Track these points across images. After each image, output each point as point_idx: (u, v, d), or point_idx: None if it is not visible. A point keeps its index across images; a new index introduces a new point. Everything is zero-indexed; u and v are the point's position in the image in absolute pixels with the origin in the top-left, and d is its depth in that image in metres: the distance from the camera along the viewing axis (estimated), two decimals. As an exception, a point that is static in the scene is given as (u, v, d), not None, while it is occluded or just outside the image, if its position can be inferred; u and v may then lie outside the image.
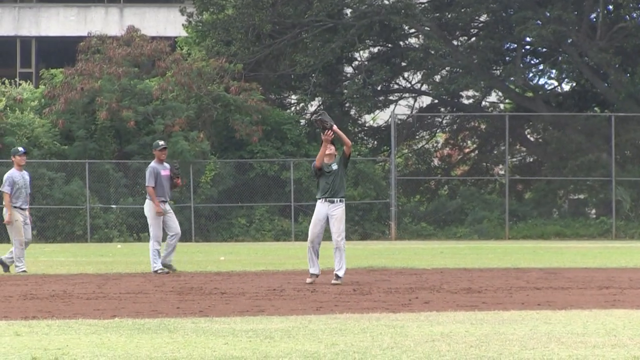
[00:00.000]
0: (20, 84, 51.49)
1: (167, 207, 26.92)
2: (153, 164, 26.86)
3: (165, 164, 27.33)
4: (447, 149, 53.15)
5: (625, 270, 26.74)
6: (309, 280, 23.59)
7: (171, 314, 16.63)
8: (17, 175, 27.27)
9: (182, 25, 53.44)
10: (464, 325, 14.78)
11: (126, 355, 11.89)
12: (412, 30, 51.51)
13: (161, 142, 29.32)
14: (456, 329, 14.36)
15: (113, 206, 43.05)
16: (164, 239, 26.58)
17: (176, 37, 52.27)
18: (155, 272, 24.63)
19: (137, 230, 46.14)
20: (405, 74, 52.53)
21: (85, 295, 20.24)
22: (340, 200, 24.85)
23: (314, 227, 23.83)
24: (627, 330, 14.06)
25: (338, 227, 24.90)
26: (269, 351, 12.20)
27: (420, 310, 17.13)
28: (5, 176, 27.35)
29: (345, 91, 51.13)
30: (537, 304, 17.99)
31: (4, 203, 27.26)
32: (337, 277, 24.44)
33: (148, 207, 26.46)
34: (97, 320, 15.76)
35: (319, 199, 23.85)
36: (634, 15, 50.11)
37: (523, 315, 16.21)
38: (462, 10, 50.93)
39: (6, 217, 26.78)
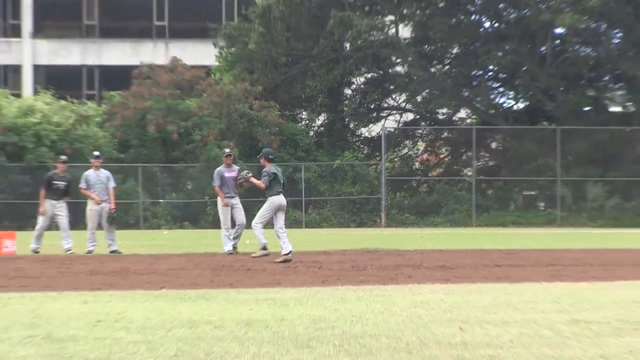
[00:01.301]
0: (86, 103, 51.39)
1: (235, 201, 26.57)
2: (220, 167, 26.69)
3: (234, 167, 27.03)
4: (426, 155, 53.05)
5: (567, 251, 26.68)
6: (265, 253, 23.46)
7: (207, 286, 16.64)
8: (91, 174, 27.16)
9: (215, 56, 53.32)
10: (439, 295, 14.80)
11: (171, 319, 11.92)
12: (398, 60, 51.38)
13: (227, 150, 29.08)
14: (433, 297, 14.37)
15: (160, 201, 42.95)
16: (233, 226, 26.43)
17: (210, 66, 52.08)
18: (228, 252, 24.40)
19: (179, 219, 46.05)
20: (393, 95, 52.46)
21: (138, 271, 20.22)
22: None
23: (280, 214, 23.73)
24: (568, 299, 14.07)
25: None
26: (284, 315, 12.24)
27: (404, 283, 17.13)
28: (83, 175, 27.42)
29: (345, 109, 51.09)
30: (497, 278, 17.98)
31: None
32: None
33: (218, 201, 26.32)
34: (148, 291, 15.77)
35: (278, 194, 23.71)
36: (575, 47, 49.96)
37: (486, 287, 16.22)
38: (438, 44, 50.90)
39: (91, 207, 26.87)
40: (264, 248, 23.69)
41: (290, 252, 22.80)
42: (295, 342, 10.12)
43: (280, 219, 23.60)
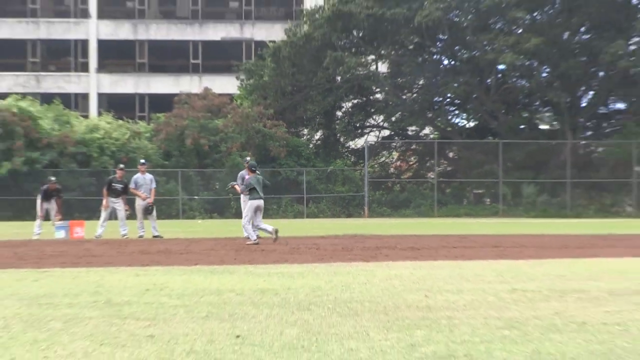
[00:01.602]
0: (138, 123, 51.43)
1: (246, 201, 26.21)
2: (242, 171, 26.51)
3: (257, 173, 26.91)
4: (399, 162, 52.95)
5: (507, 236, 26.67)
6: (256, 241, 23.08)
7: (231, 263, 16.61)
8: (139, 177, 27.35)
9: (237, 86, 53.37)
10: (409, 270, 14.76)
11: (203, 288, 11.91)
12: (377, 90, 51.31)
13: (247, 158, 29.03)
14: (404, 272, 14.34)
15: (195, 197, 42.88)
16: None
17: (233, 94, 52.08)
18: (255, 242, 24.07)
19: (210, 211, 46.03)
20: (373, 117, 52.36)
21: (178, 251, 20.18)
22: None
23: (257, 213, 23.50)
24: (508, 272, 14.06)
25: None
26: (290, 285, 12.24)
27: (382, 260, 17.10)
28: (132, 178, 27.52)
29: (337, 127, 51.00)
30: (454, 257, 17.95)
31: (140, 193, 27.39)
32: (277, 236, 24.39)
33: (242, 199, 26.12)
34: (185, 267, 15.75)
35: (257, 198, 23.58)
36: (513, 80, 49.97)
37: (445, 264, 16.19)
38: (408, 77, 50.83)
39: (139, 202, 26.97)
40: (255, 239, 23.44)
41: (256, 240, 22.83)
42: (298, 306, 10.12)
43: (259, 217, 23.42)
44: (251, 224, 23.46)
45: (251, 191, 23.50)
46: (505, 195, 46.92)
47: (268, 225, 23.53)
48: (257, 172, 24.17)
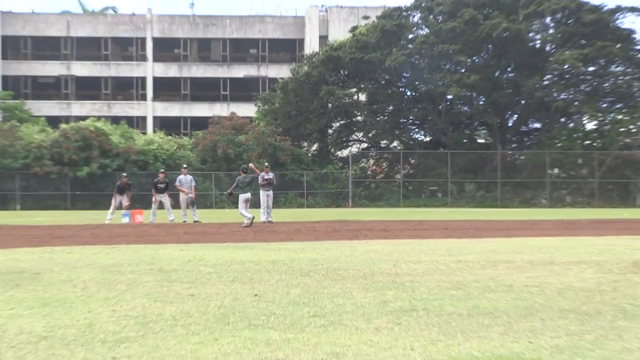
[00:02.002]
0: (182, 138, 51.31)
1: (269, 192, 25.76)
2: (262, 173, 26.49)
3: (270, 173, 26.51)
4: (374, 167, 52.75)
5: (454, 221, 26.61)
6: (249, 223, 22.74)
7: (250, 241, 16.56)
8: (182, 177, 27.18)
9: (255, 111, 53.05)
10: (382, 246, 14.73)
11: (230, 260, 11.86)
12: (358, 113, 51.07)
13: (266, 163, 29.61)
14: (379, 247, 14.31)
15: (224, 192, 42.62)
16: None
17: (252, 117, 51.87)
18: (246, 225, 23.82)
19: (235, 203, 45.91)
20: (356, 133, 52.02)
21: (212, 232, 20.12)
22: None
23: (246, 203, 23.49)
24: (455, 248, 14.03)
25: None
26: (294, 257, 12.20)
27: (362, 239, 17.06)
28: (177, 178, 27.46)
29: (329, 141, 50.61)
30: (415, 236, 17.89)
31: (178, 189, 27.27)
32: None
33: (261, 193, 25.89)
34: (217, 244, 15.69)
35: (246, 192, 23.68)
36: (458, 106, 49.85)
37: (408, 242, 16.13)
38: (381, 104, 50.57)
39: (183, 196, 26.85)
40: (250, 221, 23.23)
41: (248, 224, 22.52)
42: (300, 272, 10.09)
43: (247, 207, 23.39)
44: (246, 210, 23.59)
45: (243, 188, 23.63)
46: (452, 191, 46.78)
47: (249, 214, 23.34)
48: (247, 174, 24.32)
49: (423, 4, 49.49)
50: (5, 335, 6.10)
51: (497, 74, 49.06)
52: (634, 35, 47.79)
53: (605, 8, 47.15)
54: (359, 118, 51.10)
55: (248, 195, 23.62)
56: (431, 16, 49.46)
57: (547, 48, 49.20)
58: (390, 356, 5.26)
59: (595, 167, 46.82)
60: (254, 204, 25.67)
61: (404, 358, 5.21)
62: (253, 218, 22.97)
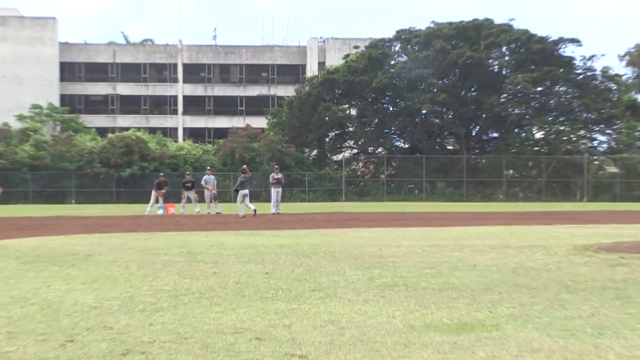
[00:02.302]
0: (207, 145, 51.23)
1: (278, 188, 25.79)
2: (272, 173, 26.55)
3: (279, 174, 26.51)
4: (363, 169, 52.63)
5: (428, 213, 26.65)
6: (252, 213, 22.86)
7: (262, 229, 16.54)
8: (206, 177, 27.13)
9: (266, 123, 52.71)
10: (369, 233, 14.71)
11: (245, 244, 11.84)
12: (350, 125, 50.91)
13: (276, 165, 29.51)
14: (367, 234, 14.30)
15: (231, 190, 42.33)
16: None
17: (264, 128, 51.76)
18: (243, 216, 23.05)
19: (254, 198, 45.90)
20: (348, 141, 51.72)
21: (231, 222, 20.06)
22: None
23: (244, 198, 23.51)
24: (429, 234, 14.01)
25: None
26: (297, 242, 12.18)
27: (353, 227, 17.04)
28: (203, 178, 27.38)
29: (326, 147, 50.40)
30: (396, 225, 17.87)
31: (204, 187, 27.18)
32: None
33: (272, 190, 25.89)
34: (235, 231, 15.66)
35: (244, 189, 23.73)
36: (431, 119, 49.81)
37: (391, 229, 16.11)
38: (369, 117, 50.42)
39: (207, 192, 26.77)
40: (253, 213, 23.14)
41: (244, 215, 22.76)
42: (303, 254, 10.08)
43: (247, 200, 23.45)
44: (245, 203, 23.51)
45: (242, 185, 23.66)
46: (426, 188, 46.75)
47: (252, 204, 23.57)
48: (248, 173, 24.54)
49: (402, 36, 49.64)
50: (63, 306, 6.11)
51: (462, 93, 49.07)
52: (574, 62, 48.09)
53: (550, 39, 47.69)
54: (351, 129, 51.01)
55: (246, 191, 23.70)
56: (409, 46, 49.61)
57: (503, 72, 49.27)
58: (376, 323, 5.26)
59: (542, 169, 47.01)
60: (266, 198, 25.64)
61: (387, 324, 5.20)
62: (255, 210, 22.95)
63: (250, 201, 24.10)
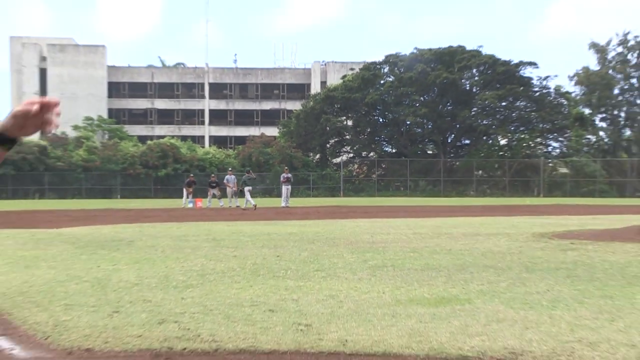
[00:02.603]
0: (229, 150, 51.14)
1: (288, 186, 25.44)
2: (283, 173, 26.51)
3: (289, 174, 26.12)
4: (358, 169, 52.45)
5: (411, 206, 26.58)
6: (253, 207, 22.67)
7: (274, 219, 16.51)
8: (228, 176, 26.96)
9: (278, 132, 52.39)
10: (363, 223, 14.67)
11: (260, 232, 11.80)
12: (347, 133, 50.70)
13: (286, 167, 29.05)
14: (361, 223, 14.24)
15: (257, 187, 42.33)
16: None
17: (276, 136, 51.66)
18: (254, 206, 23.00)
19: (264, 194, 45.81)
20: (345, 147, 51.57)
21: (248, 214, 19.99)
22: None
23: (249, 193, 23.56)
24: (413, 224, 13.97)
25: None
26: (304, 230, 12.14)
27: (350, 218, 16.99)
28: (225, 177, 27.28)
29: (327, 152, 50.17)
30: (385, 216, 17.78)
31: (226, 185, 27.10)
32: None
33: (283, 187, 25.80)
34: (251, 221, 15.62)
35: (248, 185, 23.85)
36: (414, 129, 49.67)
37: (381, 220, 15.98)
38: (363, 127, 50.25)
39: (229, 189, 26.65)
40: (254, 205, 23.09)
41: (255, 206, 22.68)
42: (308, 240, 10.06)
43: (249, 195, 23.72)
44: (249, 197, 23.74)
45: (245, 183, 24.06)
46: (410, 186, 46.65)
47: (253, 200, 23.72)
48: (252, 174, 25.26)
49: (390, 60, 49.65)
50: (110, 283, 6.10)
51: (440, 107, 49.00)
52: (532, 81, 48.19)
53: (512, 62, 47.87)
54: (347, 137, 50.94)
55: (250, 187, 24.28)
56: (395, 68, 49.60)
57: (474, 90, 49.19)
58: (369, 297, 5.25)
59: (506, 170, 46.96)
60: (277, 194, 25.59)
61: (378, 299, 5.19)
62: (255, 205, 22.96)
63: (264, 196, 24.15)
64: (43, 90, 60.45)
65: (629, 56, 50.74)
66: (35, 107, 1.50)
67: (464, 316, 4.52)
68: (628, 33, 50.64)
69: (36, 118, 1.54)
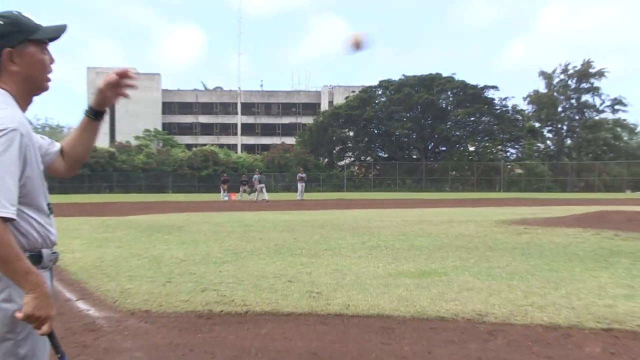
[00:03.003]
0: (256, 155, 51.05)
1: (302, 183, 25.03)
2: (299, 173, 26.35)
3: (304, 174, 25.63)
4: (358, 170, 52.04)
5: (400, 200, 26.45)
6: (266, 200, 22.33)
7: (290, 209, 16.47)
8: (256, 176, 26.35)
9: (295, 141, 52.08)
10: (362, 212, 14.57)
11: (280, 220, 11.75)
12: (349, 142, 50.44)
13: (301, 168, 28.77)
14: (360, 213, 14.16)
15: (278, 184, 41.83)
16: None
17: (293, 143, 51.42)
18: (266, 200, 22.80)
19: (284, 189, 45.62)
20: (348, 153, 51.21)
21: (271, 206, 20.00)
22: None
23: (262, 189, 23.10)
24: (402, 213, 13.85)
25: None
26: (316, 218, 12.07)
27: (353, 208, 16.92)
28: (253, 176, 27.05)
29: (334, 156, 49.92)
30: (380, 207, 17.68)
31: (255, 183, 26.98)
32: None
33: (299, 184, 25.55)
34: (273, 211, 15.57)
35: (261, 182, 23.31)
36: (402, 138, 49.33)
37: (376, 210, 15.96)
38: (361, 137, 49.98)
39: (257, 186, 26.43)
40: (266, 201, 22.95)
41: (267, 200, 22.56)
42: (319, 226, 10.02)
43: (264, 190, 23.60)
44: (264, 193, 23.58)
45: (259, 180, 23.96)
46: (399, 184, 46.45)
47: (266, 195, 23.54)
48: (262, 174, 24.96)
49: (383, 85, 49.55)
50: (163, 259, 6.12)
51: (422, 121, 48.73)
52: (494, 101, 48.12)
53: (479, 86, 47.78)
54: (350, 145, 50.75)
55: (263, 185, 23.97)
56: (387, 91, 49.40)
57: (449, 108, 48.90)
58: (366, 271, 5.24)
59: (474, 171, 46.73)
60: (294, 189, 25.43)
61: (374, 272, 5.18)
62: (268, 200, 22.88)
63: (284, 191, 24.07)
64: (112, 109, 60.75)
65: (569, 82, 51.73)
66: (114, 77, 1.60)
67: (441, 286, 4.51)
68: (569, 64, 51.77)
69: (116, 87, 1.64)
